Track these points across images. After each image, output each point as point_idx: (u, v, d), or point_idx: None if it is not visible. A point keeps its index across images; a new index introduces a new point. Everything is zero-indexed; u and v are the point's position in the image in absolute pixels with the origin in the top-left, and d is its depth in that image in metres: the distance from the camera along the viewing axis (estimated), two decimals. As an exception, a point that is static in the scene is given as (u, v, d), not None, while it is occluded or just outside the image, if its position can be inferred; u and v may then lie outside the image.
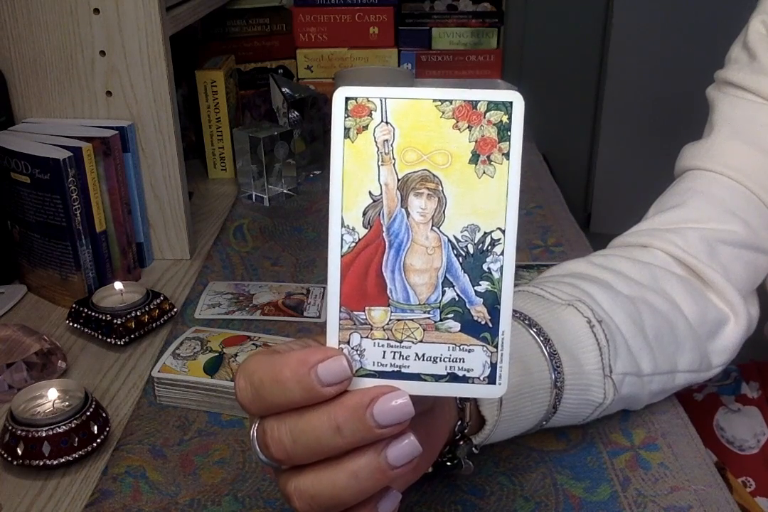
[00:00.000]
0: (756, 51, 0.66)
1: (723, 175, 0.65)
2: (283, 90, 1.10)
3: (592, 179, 2.72)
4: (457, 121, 0.32)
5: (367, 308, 0.33)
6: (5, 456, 0.56)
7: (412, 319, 0.33)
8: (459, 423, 0.46)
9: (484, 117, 0.32)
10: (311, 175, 1.14)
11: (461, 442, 0.47)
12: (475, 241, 0.33)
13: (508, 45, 1.82)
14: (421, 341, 0.33)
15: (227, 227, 0.98)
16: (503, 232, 0.33)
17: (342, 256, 0.33)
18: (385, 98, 0.32)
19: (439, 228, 0.33)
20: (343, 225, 0.33)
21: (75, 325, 0.74)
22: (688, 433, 0.59)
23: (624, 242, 0.65)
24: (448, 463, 0.48)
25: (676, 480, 0.54)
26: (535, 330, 0.50)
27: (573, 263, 0.61)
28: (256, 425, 0.35)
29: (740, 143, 0.65)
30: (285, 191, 1.05)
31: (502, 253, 0.33)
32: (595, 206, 2.72)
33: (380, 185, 0.33)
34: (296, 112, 1.09)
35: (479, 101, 0.32)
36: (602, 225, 2.64)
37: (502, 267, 0.33)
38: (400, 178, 0.33)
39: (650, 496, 0.53)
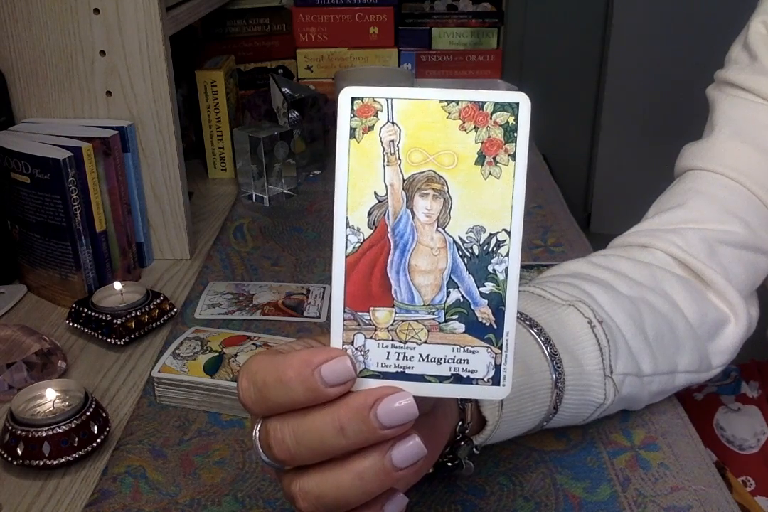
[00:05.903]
0: (756, 51, 0.67)
1: (723, 175, 0.65)
2: (283, 90, 1.10)
3: (592, 179, 2.72)
4: (464, 122, 0.32)
5: (371, 309, 0.33)
6: (5, 456, 0.56)
7: (416, 320, 0.33)
8: (460, 423, 0.45)
9: (491, 118, 0.32)
10: (311, 175, 1.14)
11: (462, 443, 0.47)
12: (481, 242, 0.33)
13: (508, 45, 1.81)
14: (425, 342, 0.33)
15: (227, 227, 0.98)
16: (508, 233, 0.33)
17: (347, 257, 0.33)
18: (392, 98, 0.32)
19: (444, 229, 0.33)
20: (348, 225, 0.33)
21: (75, 325, 0.74)
22: (688, 433, 0.59)
23: (624, 242, 0.65)
24: (449, 463, 0.48)
25: (676, 480, 0.54)
26: (536, 330, 0.50)
27: (573, 263, 0.61)
28: (259, 425, 0.35)
29: (740, 143, 0.65)
30: (285, 191, 1.05)
31: (507, 255, 0.33)
32: (595, 206, 2.72)
33: (386, 186, 0.33)
34: (296, 112, 1.09)
35: (486, 102, 0.32)
36: (602, 225, 2.64)
37: (507, 268, 0.33)
38: (405, 178, 0.33)
39: (650, 496, 0.53)
